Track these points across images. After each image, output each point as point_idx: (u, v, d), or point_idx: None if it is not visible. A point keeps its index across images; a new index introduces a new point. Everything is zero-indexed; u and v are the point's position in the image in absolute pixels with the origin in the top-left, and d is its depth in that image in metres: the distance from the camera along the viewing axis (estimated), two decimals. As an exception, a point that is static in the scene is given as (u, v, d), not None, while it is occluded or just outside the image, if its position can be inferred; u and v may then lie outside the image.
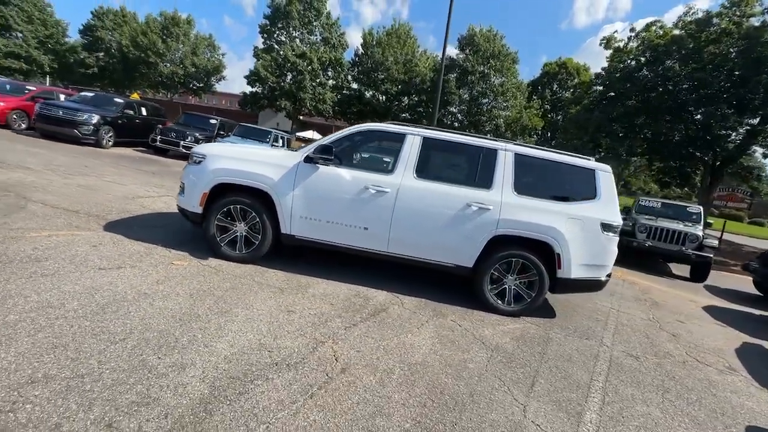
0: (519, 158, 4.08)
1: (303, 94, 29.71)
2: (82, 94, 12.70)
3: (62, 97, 12.72)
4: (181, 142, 12.05)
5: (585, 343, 3.73)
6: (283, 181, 3.95)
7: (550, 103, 36.69)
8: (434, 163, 4.31)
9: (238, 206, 4.02)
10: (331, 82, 33.15)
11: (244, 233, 4.07)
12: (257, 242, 4.07)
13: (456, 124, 31.35)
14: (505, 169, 4.01)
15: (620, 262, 6.14)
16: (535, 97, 34.58)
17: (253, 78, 29.91)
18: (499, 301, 4.04)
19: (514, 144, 4.20)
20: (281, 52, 29.12)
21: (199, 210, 4.02)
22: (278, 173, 3.97)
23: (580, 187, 4.14)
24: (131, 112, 12.36)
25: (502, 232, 3.89)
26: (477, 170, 4.08)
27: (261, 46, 30.90)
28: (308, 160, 3.97)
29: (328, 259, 4.65)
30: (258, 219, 4.00)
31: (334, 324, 3.14)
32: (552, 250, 3.89)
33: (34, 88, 12.90)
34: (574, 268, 3.92)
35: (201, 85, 35.43)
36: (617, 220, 4.00)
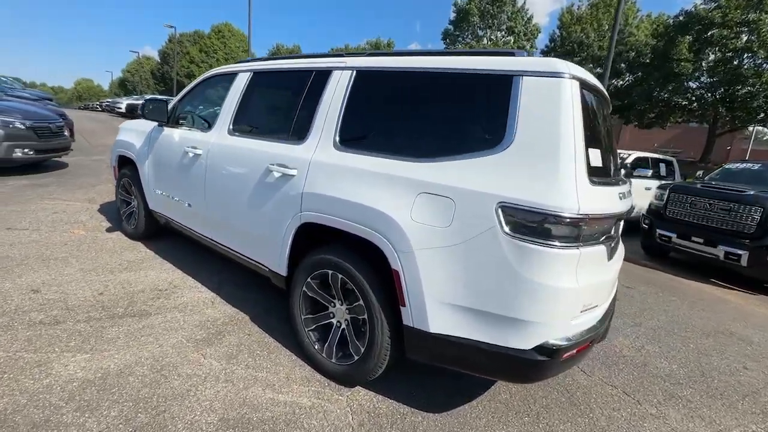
0: (362, 80, 2.15)
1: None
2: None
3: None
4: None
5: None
6: (142, 147, 3.54)
7: None
8: (256, 109, 2.85)
9: (123, 179, 3.89)
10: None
11: (134, 209, 3.88)
12: (135, 216, 3.81)
13: (694, 105, 21.89)
14: (332, 104, 2.19)
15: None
16: None
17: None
18: (317, 346, 2.24)
19: (378, 56, 2.24)
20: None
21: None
22: (140, 139, 3.59)
23: (476, 124, 1.79)
24: None
25: (307, 217, 2.14)
26: (297, 111, 2.40)
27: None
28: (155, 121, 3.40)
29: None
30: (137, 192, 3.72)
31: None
32: (386, 260, 1.83)
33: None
34: (432, 309, 1.72)
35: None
36: (559, 203, 1.49)
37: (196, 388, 1.96)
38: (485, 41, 30.59)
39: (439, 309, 1.70)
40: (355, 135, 2.12)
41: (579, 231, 1.52)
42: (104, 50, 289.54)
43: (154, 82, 52.27)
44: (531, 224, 1.52)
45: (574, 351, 1.66)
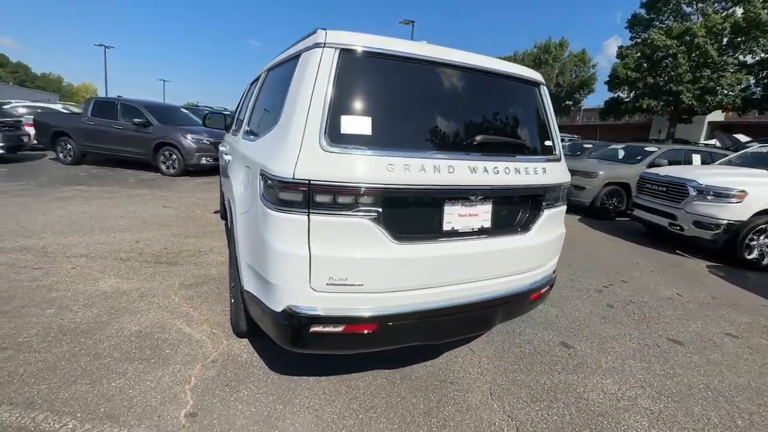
0: None
1: (678, 87, 21.87)
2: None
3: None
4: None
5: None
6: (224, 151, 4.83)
7: None
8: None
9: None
10: (747, 57, 22.11)
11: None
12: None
13: None
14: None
15: None
16: None
17: (614, 81, 25.78)
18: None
19: None
20: (649, 40, 22.96)
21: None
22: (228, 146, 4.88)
23: (273, 106, 2.08)
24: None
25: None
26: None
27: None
28: None
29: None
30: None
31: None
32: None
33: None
34: (243, 268, 2.02)
35: (569, 102, 34.55)
36: (279, 168, 1.55)
37: (147, 310, 2.77)
38: (695, 18, 23.98)
39: (245, 268, 1.95)
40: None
41: (305, 197, 1.52)
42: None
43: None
44: (269, 189, 1.63)
45: (332, 327, 1.62)
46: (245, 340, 2.47)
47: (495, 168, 1.83)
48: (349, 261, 1.61)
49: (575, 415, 2.00)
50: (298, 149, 1.54)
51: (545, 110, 2.17)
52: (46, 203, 5.49)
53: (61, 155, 9.23)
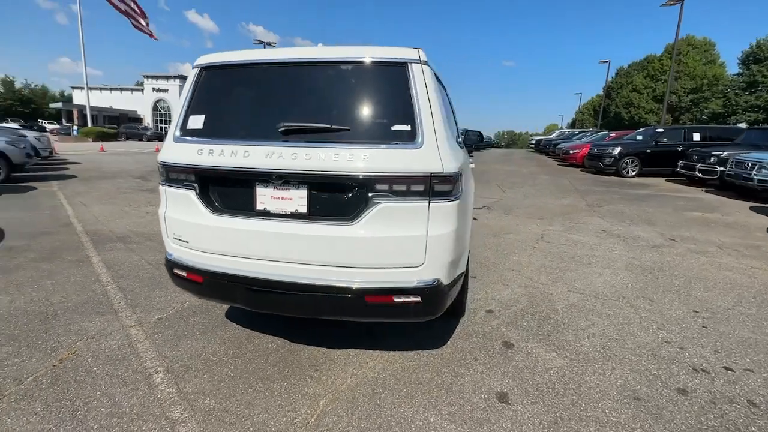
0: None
1: None
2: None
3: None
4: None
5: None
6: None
7: None
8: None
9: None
10: None
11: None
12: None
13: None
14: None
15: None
16: None
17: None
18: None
19: None
20: None
21: None
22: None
23: None
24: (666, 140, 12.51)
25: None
26: None
27: None
28: None
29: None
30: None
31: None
32: None
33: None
34: None
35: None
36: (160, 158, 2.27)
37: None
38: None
39: None
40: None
41: (162, 175, 2.18)
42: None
43: (592, 117, 52.08)
44: (159, 170, 2.26)
45: (182, 272, 2.14)
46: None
47: (293, 153, 1.84)
48: (180, 222, 2.12)
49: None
50: (168, 141, 2.16)
51: (411, 92, 1.88)
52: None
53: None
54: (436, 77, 2.16)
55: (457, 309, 2.63)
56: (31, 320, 2.61)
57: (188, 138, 2.07)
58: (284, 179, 1.89)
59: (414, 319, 2.06)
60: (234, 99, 2.18)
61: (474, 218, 6.19)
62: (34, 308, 2.77)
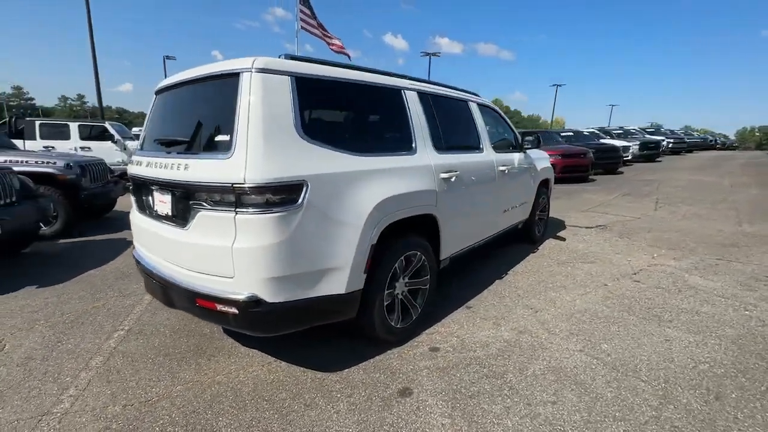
0: None
1: None
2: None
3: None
4: None
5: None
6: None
7: None
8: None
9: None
10: None
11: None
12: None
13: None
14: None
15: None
16: None
17: None
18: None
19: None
20: None
21: None
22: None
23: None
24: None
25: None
26: None
27: None
28: None
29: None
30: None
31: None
32: None
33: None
34: None
35: None
36: None
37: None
38: None
39: None
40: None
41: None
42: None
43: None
44: None
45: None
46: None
47: (148, 163, 2.23)
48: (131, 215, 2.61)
49: None
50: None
51: (237, 102, 1.79)
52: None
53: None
54: (321, 81, 2.09)
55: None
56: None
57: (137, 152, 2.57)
58: (152, 185, 2.23)
59: (249, 331, 1.92)
60: (152, 116, 2.56)
61: (562, 238, 5.03)
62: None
